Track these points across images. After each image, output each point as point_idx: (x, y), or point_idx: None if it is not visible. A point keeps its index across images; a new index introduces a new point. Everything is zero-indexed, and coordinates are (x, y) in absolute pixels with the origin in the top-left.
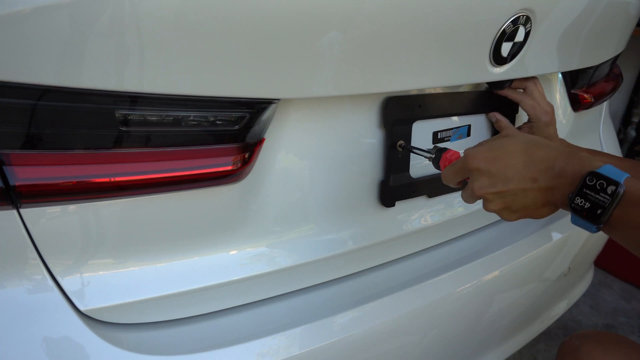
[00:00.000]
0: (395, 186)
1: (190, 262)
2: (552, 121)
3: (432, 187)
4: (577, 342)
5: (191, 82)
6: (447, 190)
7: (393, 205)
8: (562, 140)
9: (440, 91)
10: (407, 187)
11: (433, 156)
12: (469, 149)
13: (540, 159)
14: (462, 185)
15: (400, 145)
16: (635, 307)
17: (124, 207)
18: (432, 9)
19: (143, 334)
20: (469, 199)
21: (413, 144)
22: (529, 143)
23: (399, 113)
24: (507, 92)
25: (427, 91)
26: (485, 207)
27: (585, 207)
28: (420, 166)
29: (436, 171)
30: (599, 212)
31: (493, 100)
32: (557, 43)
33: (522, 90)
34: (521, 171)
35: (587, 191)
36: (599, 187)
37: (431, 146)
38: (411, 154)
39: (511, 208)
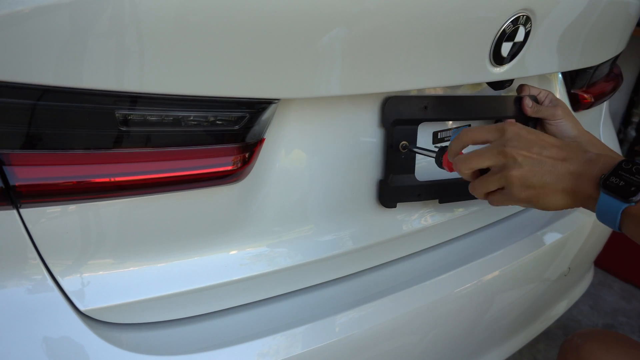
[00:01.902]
0: (396, 187)
1: (190, 262)
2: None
3: (442, 193)
4: (578, 341)
5: (191, 82)
6: (459, 196)
7: (394, 206)
8: (588, 133)
9: (447, 93)
10: (410, 189)
11: (435, 153)
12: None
13: (572, 144)
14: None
15: (402, 146)
16: (635, 307)
17: (123, 207)
18: (432, 8)
19: (143, 334)
20: (490, 158)
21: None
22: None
23: (404, 114)
24: (535, 112)
25: (434, 93)
26: (506, 171)
27: (620, 184)
28: (428, 170)
29: (446, 176)
30: (632, 189)
31: (504, 105)
32: (557, 43)
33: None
34: (554, 148)
35: (622, 173)
36: (634, 170)
37: (431, 146)
38: (417, 156)
39: (531, 180)
